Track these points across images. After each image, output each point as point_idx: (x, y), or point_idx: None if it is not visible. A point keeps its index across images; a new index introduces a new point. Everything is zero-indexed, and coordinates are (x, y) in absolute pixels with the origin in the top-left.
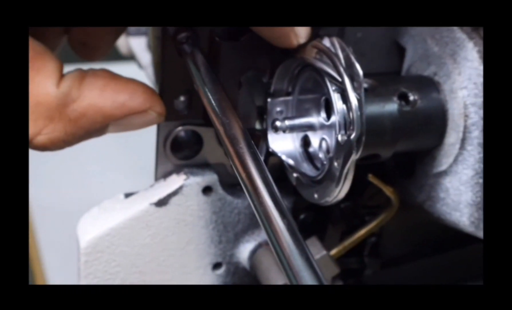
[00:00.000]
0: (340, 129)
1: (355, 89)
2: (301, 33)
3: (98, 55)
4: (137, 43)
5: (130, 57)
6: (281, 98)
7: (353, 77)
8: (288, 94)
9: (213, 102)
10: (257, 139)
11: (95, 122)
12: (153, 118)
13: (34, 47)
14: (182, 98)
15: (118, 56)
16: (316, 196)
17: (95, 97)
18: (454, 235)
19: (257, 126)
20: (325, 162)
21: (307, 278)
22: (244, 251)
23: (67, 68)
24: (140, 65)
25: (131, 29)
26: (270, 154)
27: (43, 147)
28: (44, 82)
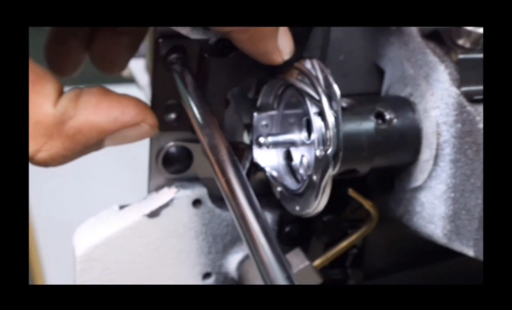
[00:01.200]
0: (318, 145)
1: (332, 108)
2: (285, 49)
3: (116, 69)
4: (136, 65)
5: (130, 78)
6: (267, 113)
7: (331, 96)
8: (273, 109)
9: (198, 116)
10: (242, 152)
11: (91, 137)
12: (146, 131)
13: (35, 70)
14: (172, 112)
15: (119, 79)
16: (297, 208)
17: (90, 114)
18: (434, 248)
19: (245, 139)
20: (305, 177)
21: None
22: (232, 261)
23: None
24: (139, 87)
25: None
26: (255, 166)
27: (44, 163)
28: (43, 103)
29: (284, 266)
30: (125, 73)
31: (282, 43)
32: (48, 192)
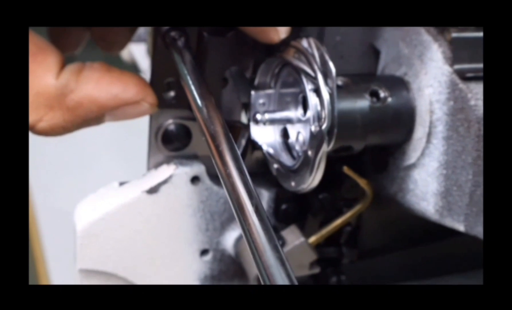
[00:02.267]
0: (314, 122)
1: (328, 85)
2: (282, 28)
3: (116, 48)
4: (137, 49)
5: (132, 63)
6: (264, 91)
7: (326, 74)
8: (270, 87)
9: (195, 95)
10: (238, 130)
11: (91, 112)
12: (145, 109)
13: (37, 42)
14: (171, 90)
15: (120, 63)
16: (293, 184)
17: (91, 89)
18: (428, 228)
19: (242, 118)
20: (300, 153)
21: (277, 277)
22: (229, 238)
23: None
24: (140, 70)
25: None
26: (252, 144)
27: (44, 133)
28: (45, 74)
29: (276, 246)
30: (126, 57)
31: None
32: (52, 184)
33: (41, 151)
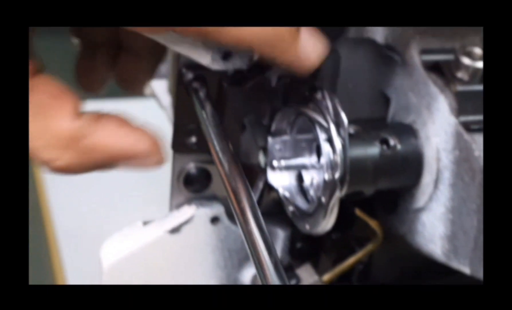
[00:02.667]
0: (327, 169)
1: (340, 135)
2: (311, 55)
3: (136, 89)
4: (158, 85)
5: (152, 97)
6: (280, 138)
7: (339, 124)
8: (286, 133)
9: (215, 144)
10: (256, 173)
11: (104, 159)
12: (153, 164)
13: (56, 86)
14: (192, 136)
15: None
16: (307, 226)
17: (105, 138)
18: (436, 266)
19: (260, 161)
20: (314, 198)
21: None
22: (246, 275)
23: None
24: (161, 106)
25: None
26: (269, 186)
27: (60, 170)
28: (62, 118)
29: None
30: (147, 92)
31: (306, 47)
32: (71, 206)
33: (65, 191)
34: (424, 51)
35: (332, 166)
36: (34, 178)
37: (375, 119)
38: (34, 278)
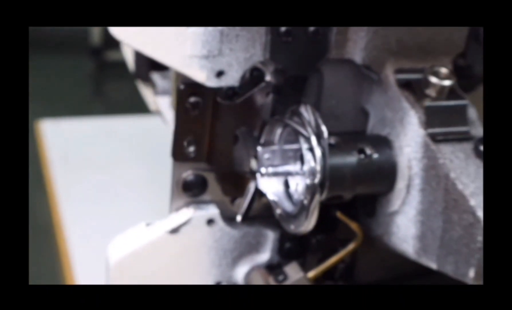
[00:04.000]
0: (309, 176)
1: (320, 144)
2: None
3: None
4: (162, 101)
5: (158, 113)
6: (269, 148)
7: (320, 135)
8: (274, 144)
9: None
10: (247, 180)
11: None
12: None
13: None
14: (191, 146)
15: (148, 110)
16: (292, 227)
17: None
18: (415, 266)
19: (252, 167)
20: (298, 202)
21: None
22: (240, 272)
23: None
24: (165, 121)
25: (159, 88)
26: (259, 192)
27: None
28: None
29: None
30: (153, 107)
31: None
32: (82, 211)
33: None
34: (397, 71)
35: (313, 172)
36: (45, 186)
37: (356, 131)
38: (44, 278)
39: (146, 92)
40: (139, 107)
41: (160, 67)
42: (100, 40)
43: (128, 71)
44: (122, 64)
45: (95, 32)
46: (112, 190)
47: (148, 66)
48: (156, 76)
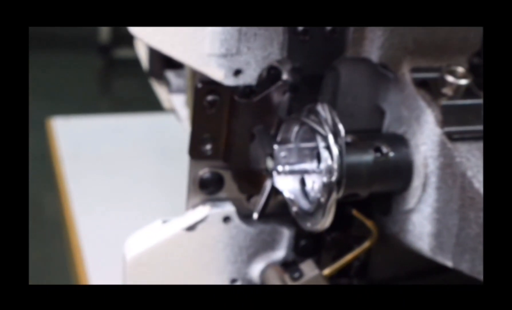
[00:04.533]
0: (325, 174)
1: (337, 143)
2: None
3: None
4: (177, 99)
5: (172, 111)
6: (285, 146)
7: (336, 134)
8: (291, 142)
9: None
10: (264, 178)
11: None
12: None
13: None
14: (207, 144)
15: (162, 108)
16: (309, 224)
17: None
18: (430, 263)
19: (268, 166)
20: (315, 200)
21: None
22: (255, 269)
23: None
24: (179, 119)
25: (173, 87)
26: (275, 189)
27: None
28: None
29: None
30: (167, 105)
31: None
32: (94, 209)
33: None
34: (414, 70)
35: (330, 170)
36: (57, 183)
37: (372, 130)
38: (56, 276)
39: (160, 90)
40: (147, 104)
41: (174, 65)
42: (109, 38)
43: (136, 69)
44: (130, 61)
45: (104, 30)
46: (123, 187)
47: (162, 64)
48: (170, 75)
